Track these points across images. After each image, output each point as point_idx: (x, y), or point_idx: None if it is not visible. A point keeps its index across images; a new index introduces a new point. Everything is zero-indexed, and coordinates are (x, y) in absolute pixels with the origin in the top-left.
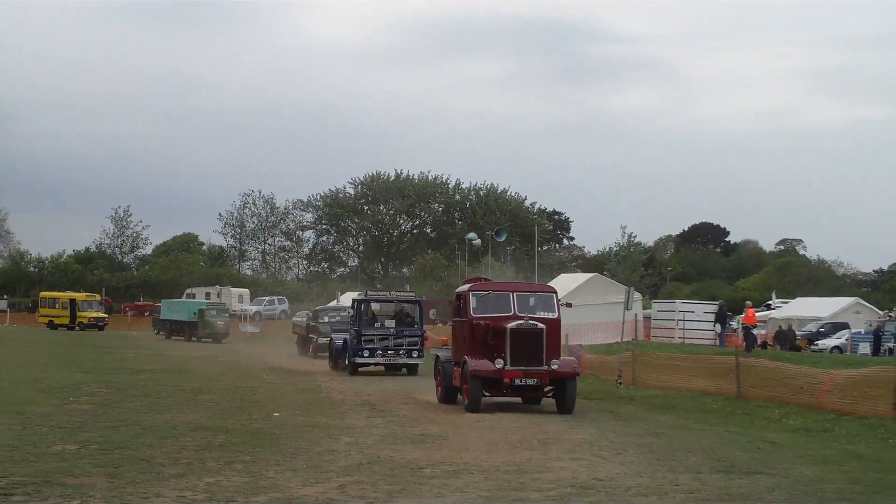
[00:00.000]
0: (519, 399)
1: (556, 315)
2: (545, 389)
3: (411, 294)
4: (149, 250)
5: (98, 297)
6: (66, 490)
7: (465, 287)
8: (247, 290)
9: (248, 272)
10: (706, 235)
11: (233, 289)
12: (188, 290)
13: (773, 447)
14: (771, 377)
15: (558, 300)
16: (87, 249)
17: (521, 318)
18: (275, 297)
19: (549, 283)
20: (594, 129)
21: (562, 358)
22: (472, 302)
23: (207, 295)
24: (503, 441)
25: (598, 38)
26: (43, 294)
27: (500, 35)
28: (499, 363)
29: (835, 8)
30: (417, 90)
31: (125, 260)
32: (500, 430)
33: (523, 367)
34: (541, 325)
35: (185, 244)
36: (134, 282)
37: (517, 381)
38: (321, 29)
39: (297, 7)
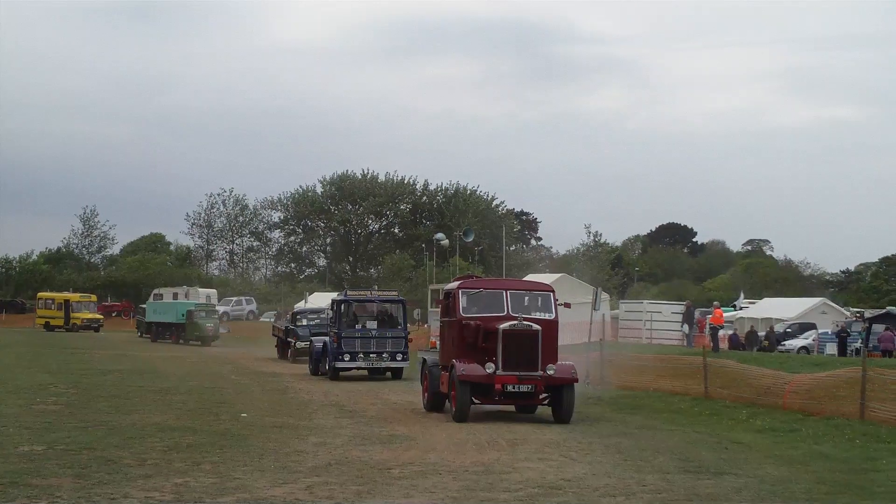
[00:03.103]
0: (512, 407)
1: (553, 315)
2: (540, 397)
3: (394, 293)
4: (116, 250)
5: (94, 297)
6: (33, 491)
7: (455, 284)
8: (214, 291)
9: (216, 272)
10: (674, 236)
11: (200, 289)
12: (155, 291)
13: (741, 447)
14: (738, 378)
15: (556, 299)
16: (56, 249)
17: (515, 318)
18: (242, 298)
19: None
20: (562, 129)
21: (559, 362)
22: (462, 300)
23: (175, 295)
24: (471, 441)
25: (565, 38)
26: (40, 295)
27: (469, 36)
28: (489, 367)
29: (802, 9)
30: (386, 90)
31: (93, 260)
32: (469, 431)
33: (516, 372)
34: (536, 326)
35: (152, 244)
36: (101, 282)
37: (510, 388)
38: (289, 29)
39: (265, 7)
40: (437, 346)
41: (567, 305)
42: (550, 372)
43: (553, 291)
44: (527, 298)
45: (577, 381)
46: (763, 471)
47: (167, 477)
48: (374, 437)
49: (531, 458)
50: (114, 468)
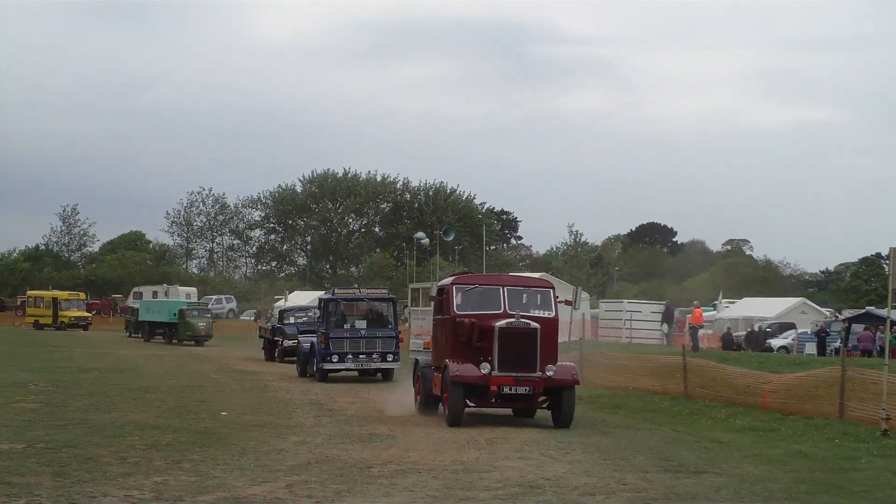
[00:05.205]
0: (509, 411)
1: (552, 314)
2: (539, 399)
3: (384, 291)
4: (96, 248)
5: (82, 295)
6: (13, 489)
7: (448, 280)
8: (194, 289)
9: (196, 271)
10: (654, 235)
11: (180, 287)
12: (135, 289)
13: (720, 446)
14: (717, 377)
15: (556, 297)
16: (36, 247)
17: (512, 315)
18: (222, 297)
19: None
20: (543, 129)
21: (559, 363)
22: (456, 297)
23: (154, 294)
24: (451, 440)
25: (546, 39)
26: (29, 293)
27: (450, 36)
28: (485, 368)
29: (781, 11)
30: (367, 89)
31: (72, 258)
32: (448, 430)
33: (513, 374)
34: (534, 324)
35: (132, 242)
36: (82, 280)
37: (506, 390)
38: (271, 28)
39: (247, 6)
40: (430, 347)
41: (568, 303)
42: (550, 373)
43: (553, 288)
44: (525, 295)
45: (577, 382)
46: (743, 470)
47: (147, 475)
48: (353, 436)
49: (511, 456)
50: (94, 466)
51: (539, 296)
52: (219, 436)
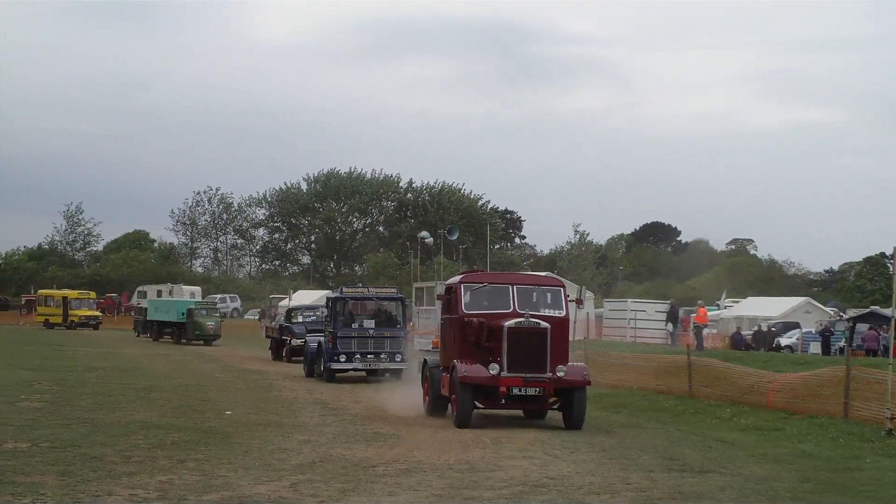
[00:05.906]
0: (520, 412)
1: (563, 313)
2: (550, 401)
3: (392, 290)
4: (100, 247)
5: (93, 294)
6: (18, 488)
7: (457, 278)
8: (198, 288)
9: (200, 270)
10: (658, 234)
11: (184, 286)
12: (139, 288)
13: (725, 446)
14: (722, 376)
15: (567, 296)
16: (40, 246)
17: (522, 315)
18: (227, 296)
19: None
20: (543, 129)
21: (570, 364)
22: (464, 296)
23: (159, 293)
24: (455, 439)
25: (546, 39)
26: (40, 292)
27: (449, 36)
28: (493, 369)
29: (781, 11)
30: (369, 89)
31: (77, 257)
32: (453, 429)
33: (523, 374)
34: (544, 324)
35: (136, 241)
36: (86, 279)
37: (515, 391)
38: (271, 28)
39: (249, 5)
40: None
41: (579, 302)
42: (560, 374)
43: (564, 287)
44: (535, 294)
45: (589, 383)
46: (747, 469)
47: (151, 474)
48: (358, 435)
49: (515, 455)
50: (98, 465)
51: (549, 295)
52: (223, 435)
